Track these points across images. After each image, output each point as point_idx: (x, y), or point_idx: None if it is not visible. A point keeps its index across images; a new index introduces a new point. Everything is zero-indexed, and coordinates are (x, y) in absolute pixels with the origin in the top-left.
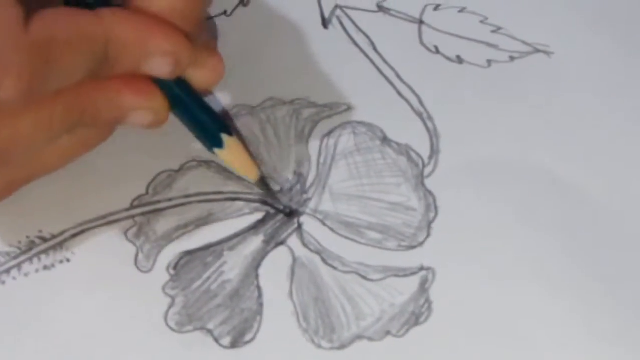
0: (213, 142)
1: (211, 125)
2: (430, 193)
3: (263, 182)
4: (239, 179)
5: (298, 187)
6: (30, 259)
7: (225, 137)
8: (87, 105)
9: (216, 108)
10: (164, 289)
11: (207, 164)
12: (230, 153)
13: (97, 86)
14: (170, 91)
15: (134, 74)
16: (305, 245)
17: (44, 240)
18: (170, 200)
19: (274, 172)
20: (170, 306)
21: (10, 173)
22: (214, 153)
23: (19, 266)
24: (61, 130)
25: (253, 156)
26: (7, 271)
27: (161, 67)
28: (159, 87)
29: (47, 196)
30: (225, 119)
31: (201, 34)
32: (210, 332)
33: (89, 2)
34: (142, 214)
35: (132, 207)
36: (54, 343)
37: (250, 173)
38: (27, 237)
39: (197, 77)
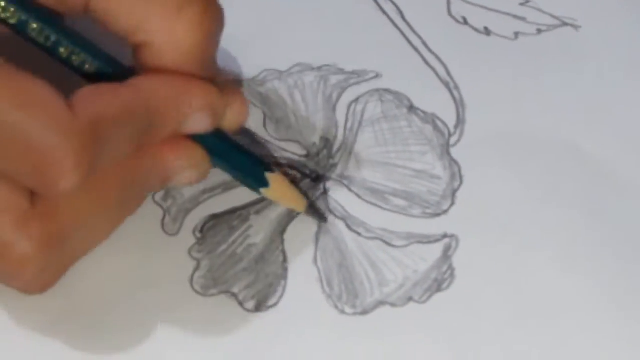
0: (258, 183)
1: (253, 168)
2: (456, 162)
3: (313, 208)
4: (266, 142)
5: (325, 152)
6: None
7: (269, 176)
8: (138, 176)
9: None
10: (189, 252)
11: None
12: (275, 190)
13: (144, 156)
14: (208, 143)
15: (175, 135)
16: (330, 210)
17: None
18: None
19: (300, 137)
20: (196, 269)
21: (69, 257)
22: (260, 194)
23: None
24: (116, 205)
25: (297, 187)
26: None
27: (201, 123)
28: (197, 141)
29: None
30: (263, 158)
31: (219, 76)
32: (234, 295)
33: (108, 72)
34: None
35: None
36: (80, 304)
37: (298, 205)
38: None
39: (226, 120)
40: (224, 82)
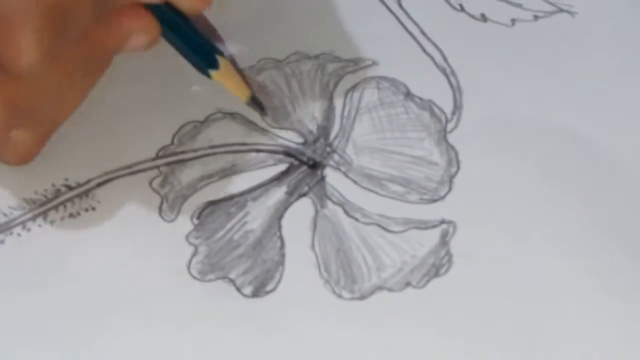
0: (207, 63)
1: (204, 48)
2: (453, 148)
3: (255, 100)
4: (263, 130)
5: (322, 139)
6: (56, 207)
7: (219, 58)
8: (100, 44)
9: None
10: (187, 238)
11: (232, 115)
12: (223, 73)
13: (104, 24)
14: (162, 16)
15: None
16: (327, 197)
17: (70, 188)
18: (195, 150)
19: (297, 125)
20: (193, 255)
21: (41, 124)
22: (209, 76)
23: (45, 214)
24: (80, 74)
25: (245, 76)
26: (33, 219)
27: None
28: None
29: (73, 145)
30: (215, 42)
31: None
32: (232, 281)
33: None
34: (167, 164)
35: (157, 157)
36: (78, 289)
37: (242, 92)
38: (53, 185)
39: (185, 1)
40: None
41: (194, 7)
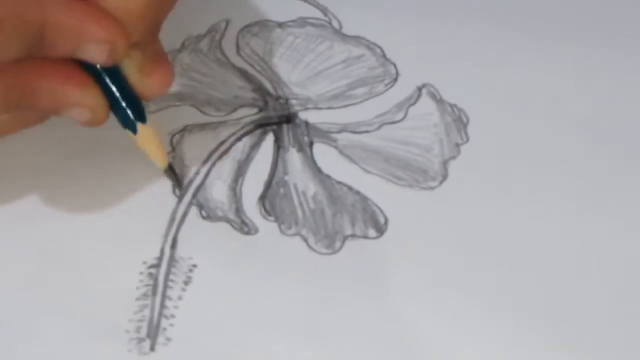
0: (137, 117)
1: (134, 102)
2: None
3: (171, 169)
4: (221, 123)
5: (268, 97)
6: None
7: (139, 125)
8: (27, 87)
9: None
10: None
11: (188, 129)
12: (149, 134)
13: (37, 70)
14: (99, 77)
15: (70, 62)
16: (325, 132)
17: None
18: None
19: (239, 100)
20: None
21: None
22: (134, 131)
23: None
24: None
25: (162, 147)
26: None
27: (97, 54)
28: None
29: None
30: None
31: (154, 43)
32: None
33: None
34: None
35: None
36: None
37: (162, 159)
38: None
39: (144, 85)
40: (156, 51)
41: (155, 91)
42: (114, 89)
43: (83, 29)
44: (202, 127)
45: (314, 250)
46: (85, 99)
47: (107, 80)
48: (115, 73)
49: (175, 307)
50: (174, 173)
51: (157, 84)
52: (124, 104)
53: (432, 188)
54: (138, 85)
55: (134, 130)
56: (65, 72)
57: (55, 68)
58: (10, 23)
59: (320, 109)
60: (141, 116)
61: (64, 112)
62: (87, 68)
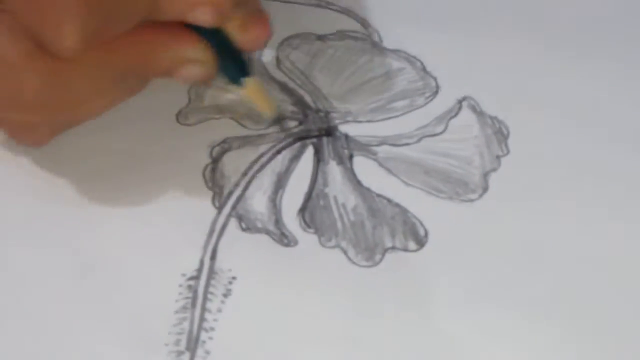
0: (242, 73)
1: (240, 58)
2: (395, 51)
3: (279, 119)
4: (263, 135)
5: (309, 111)
6: None
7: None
8: (147, 51)
9: None
10: None
11: (229, 144)
12: (254, 86)
13: (154, 34)
14: (211, 40)
15: (179, 24)
16: (365, 146)
17: None
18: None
19: (278, 113)
20: None
21: (59, 118)
22: (240, 85)
23: None
24: (116, 77)
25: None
26: None
27: (204, 16)
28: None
29: None
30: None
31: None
32: None
33: None
34: None
35: None
36: None
37: (271, 107)
38: None
39: (245, 40)
40: (254, 7)
41: (253, 45)
42: (220, 47)
43: None
44: (242, 139)
45: (354, 262)
46: (198, 54)
47: (213, 40)
48: (218, 32)
49: (215, 319)
50: (280, 123)
51: (256, 38)
52: (230, 61)
53: (472, 200)
54: (240, 41)
55: (241, 84)
56: (177, 32)
57: (168, 29)
58: None
59: (360, 121)
60: (247, 71)
61: (178, 71)
62: (194, 28)
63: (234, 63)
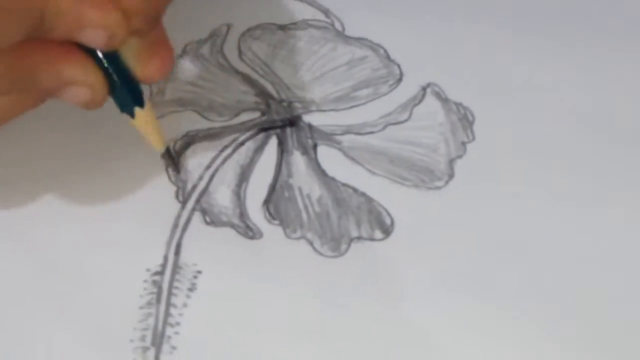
0: (135, 101)
1: (133, 85)
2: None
3: (168, 154)
4: (226, 127)
5: (271, 101)
6: None
7: (137, 109)
8: (28, 67)
9: None
10: None
11: (192, 138)
12: (147, 117)
13: (38, 50)
14: (98, 60)
15: (70, 43)
16: (328, 135)
17: None
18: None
19: (242, 104)
20: None
21: None
22: (132, 115)
23: None
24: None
25: (160, 131)
26: None
27: (96, 38)
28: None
29: None
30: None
31: (155, 29)
32: None
33: None
34: None
35: None
36: None
37: (160, 142)
38: None
39: (144, 70)
40: (158, 36)
41: (154, 76)
42: (112, 72)
43: (83, 14)
44: (205, 132)
45: (319, 253)
46: (84, 76)
47: (106, 64)
48: (114, 57)
49: (180, 314)
50: (171, 157)
51: (156, 69)
52: (122, 88)
53: (438, 188)
54: (137, 70)
55: (132, 114)
56: (65, 51)
57: (55, 48)
58: (11, 8)
59: (324, 111)
60: (139, 100)
61: (64, 92)
62: (87, 50)
63: (127, 91)
